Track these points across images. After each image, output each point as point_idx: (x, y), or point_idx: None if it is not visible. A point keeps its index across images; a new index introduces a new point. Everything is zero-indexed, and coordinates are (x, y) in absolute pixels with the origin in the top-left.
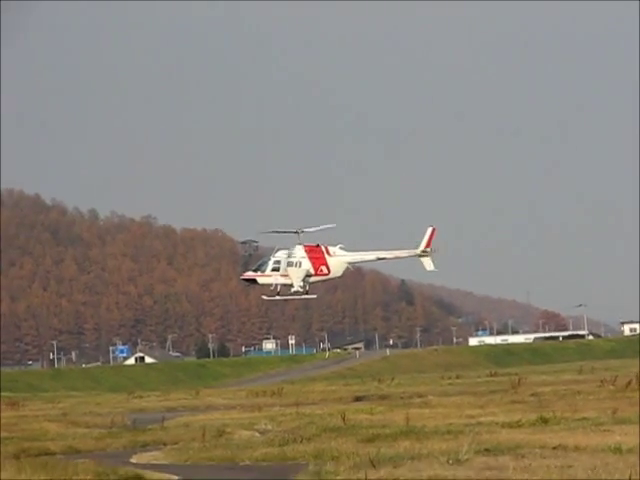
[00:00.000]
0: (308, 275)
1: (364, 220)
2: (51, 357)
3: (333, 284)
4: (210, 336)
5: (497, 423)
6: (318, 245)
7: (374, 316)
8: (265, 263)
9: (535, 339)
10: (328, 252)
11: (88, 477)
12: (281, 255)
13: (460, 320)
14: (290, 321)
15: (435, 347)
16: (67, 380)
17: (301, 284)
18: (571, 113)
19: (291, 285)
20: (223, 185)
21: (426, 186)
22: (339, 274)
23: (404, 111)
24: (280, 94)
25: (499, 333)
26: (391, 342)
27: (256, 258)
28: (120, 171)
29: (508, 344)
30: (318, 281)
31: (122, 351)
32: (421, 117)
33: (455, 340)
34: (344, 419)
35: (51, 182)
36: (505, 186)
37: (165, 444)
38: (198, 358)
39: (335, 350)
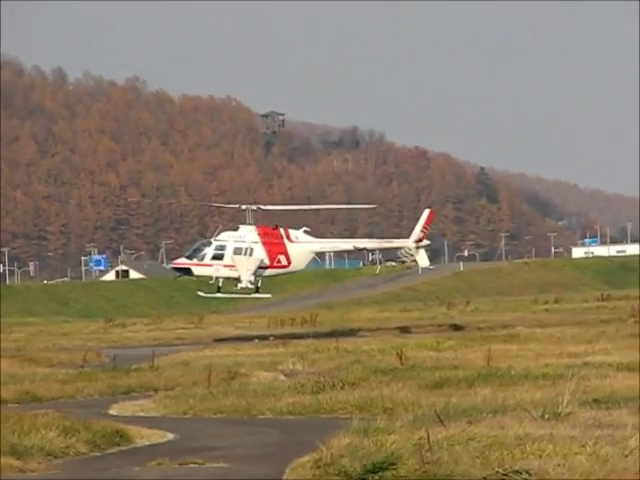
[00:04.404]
0: (261, 267)
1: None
2: (0, 270)
3: (385, 171)
4: None
5: (611, 364)
6: (276, 227)
7: (443, 217)
8: (204, 248)
9: None
10: (289, 237)
11: (51, 434)
12: (226, 238)
13: (561, 224)
14: (327, 223)
15: (526, 260)
16: (22, 302)
17: (251, 278)
18: None
19: (238, 279)
20: (237, 36)
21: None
22: (302, 267)
23: None
24: None
25: (614, 242)
26: (466, 253)
27: (281, 141)
28: (96, 17)
29: (626, 257)
30: (274, 275)
31: (98, 262)
32: None
33: (554, 251)
34: (401, 357)
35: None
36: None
37: (156, 390)
38: None
39: (389, 263)
